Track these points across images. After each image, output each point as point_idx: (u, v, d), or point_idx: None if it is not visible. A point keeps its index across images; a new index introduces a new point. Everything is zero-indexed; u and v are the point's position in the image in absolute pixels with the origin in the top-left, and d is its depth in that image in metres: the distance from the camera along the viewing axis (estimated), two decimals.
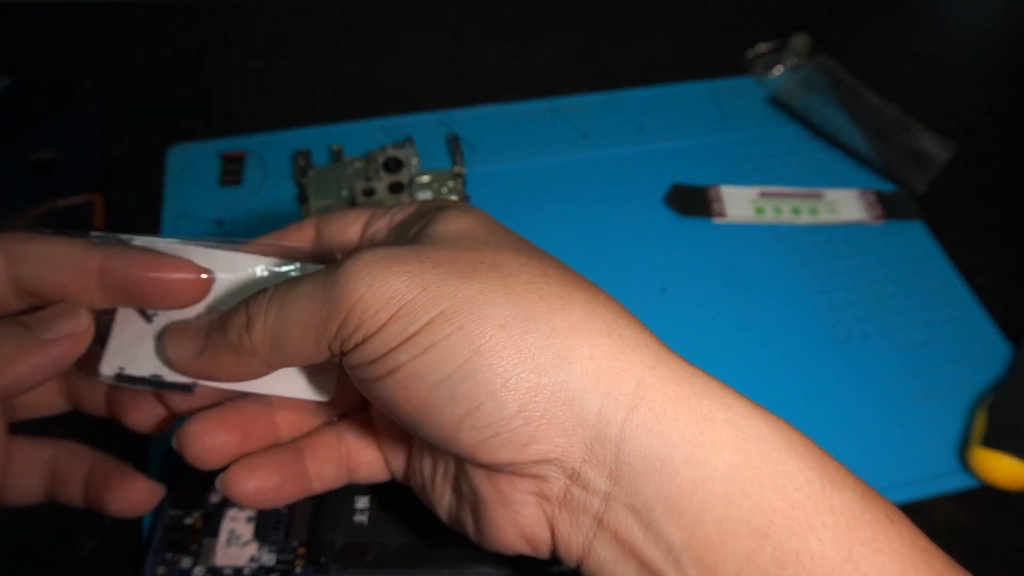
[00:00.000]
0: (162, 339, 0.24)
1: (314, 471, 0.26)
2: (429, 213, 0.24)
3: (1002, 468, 0.34)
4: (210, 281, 0.24)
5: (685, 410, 0.19)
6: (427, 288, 0.20)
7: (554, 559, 0.22)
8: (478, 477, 0.22)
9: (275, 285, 0.22)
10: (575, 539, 0.21)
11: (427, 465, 0.25)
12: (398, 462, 0.27)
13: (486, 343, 0.20)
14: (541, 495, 0.21)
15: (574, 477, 0.20)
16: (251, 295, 0.23)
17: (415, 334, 0.20)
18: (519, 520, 0.22)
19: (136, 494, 0.25)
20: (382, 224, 0.25)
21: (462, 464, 0.23)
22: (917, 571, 0.19)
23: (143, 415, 0.26)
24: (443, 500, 0.25)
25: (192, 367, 0.24)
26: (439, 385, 0.20)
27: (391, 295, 0.20)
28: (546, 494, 0.21)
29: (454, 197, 0.44)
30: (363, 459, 0.27)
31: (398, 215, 0.25)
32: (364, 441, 0.27)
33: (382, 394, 0.21)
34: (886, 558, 0.18)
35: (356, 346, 0.21)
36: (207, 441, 0.24)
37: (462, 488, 0.23)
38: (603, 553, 0.21)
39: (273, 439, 0.26)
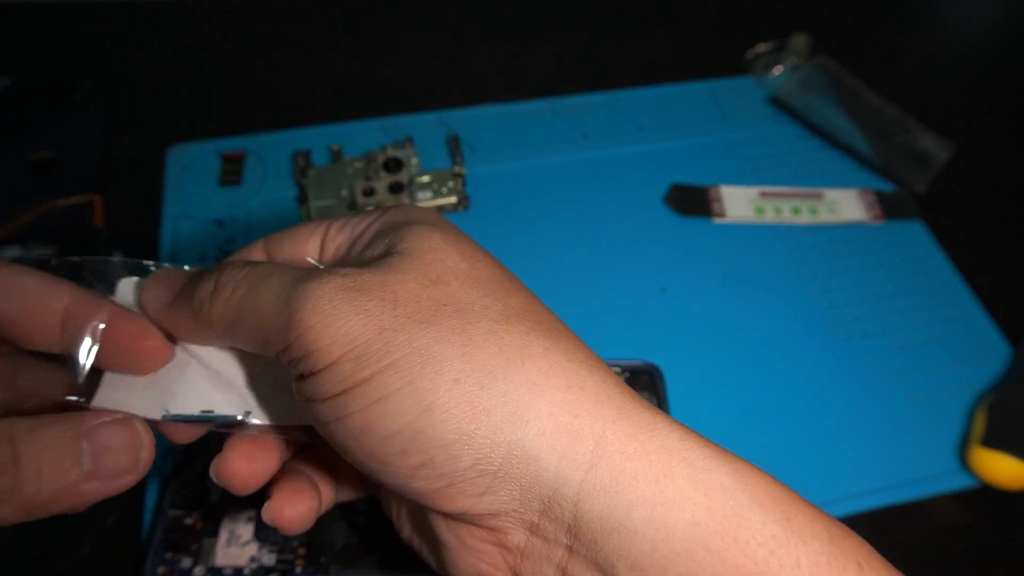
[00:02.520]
0: (146, 280, 0.24)
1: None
2: (396, 229, 0.23)
3: (1002, 468, 0.34)
4: (169, 350, 0.23)
5: (645, 468, 0.19)
6: (382, 332, 0.20)
7: None
8: (438, 522, 0.22)
9: (252, 263, 0.22)
10: None
11: (392, 503, 0.25)
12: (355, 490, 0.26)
13: (438, 399, 0.19)
14: (501, 545, 0.21)
15: (534, 529, 0.20)
16: (228, 261, 0.23)
17: (365, 381, 0.19)
18: (480, 567, 0.21)
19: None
20: (343, 239, 0.24)
21: (423, 508, 0.22)
22: None
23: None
24: (405, 529, 0.25)
25: (158, 316, 0.23)
26: (390, 438, 0.19)
27: (344, 332, 0.20)
28: (506, 544, 0.21)
29: (453, 198, 0.44)
30: (342, 479, 0.26)
31: (359, 227, 0.24)
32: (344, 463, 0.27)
33: (334, 438, 0.20)
34: None
35: (304, 376, 0.20)
36: (245, 469, 0.24)
37: (423, 529, 0.23)
38: None
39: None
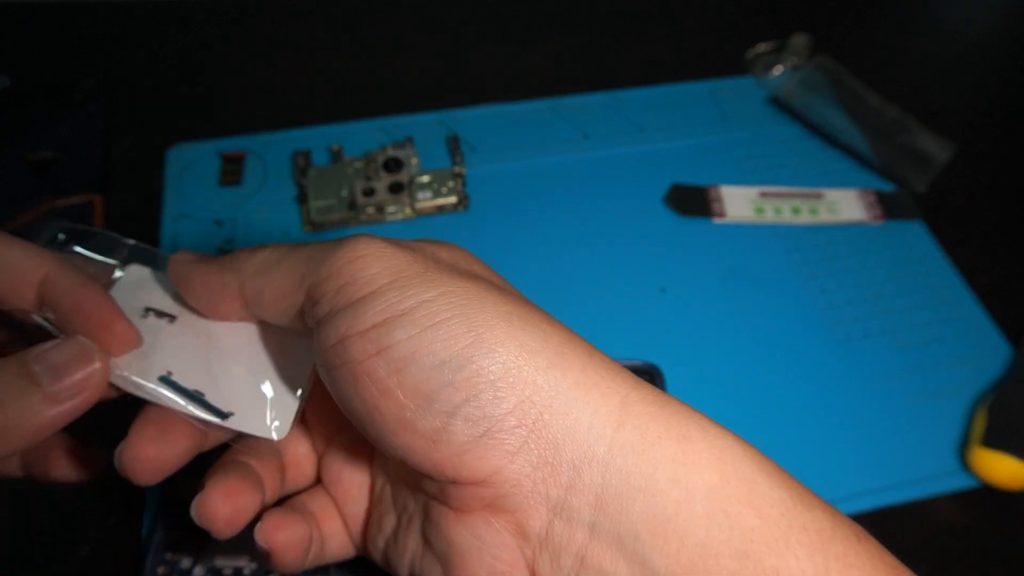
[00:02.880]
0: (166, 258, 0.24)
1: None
2: (423, 241, 0.24)
3: (1002, 468, 0.34)
4: (135, 340, 0.23)
5: (667, 429, 0.19)
6: (427, 271, 0.20)
7: None
8: (449, 521, 0.21)
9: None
10: (551, 566, 0.20)
11: (389, 520, 0.24)
12: (358, 527, 0.26)
13: (488, 329, 0.19)
14: (521, 533, 0.20)
15: (557, 509, 0.19)
16: None
17: (411, 310, 0.19)
18: (496, 566, 0.20)
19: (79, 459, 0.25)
20: None
21: (431, 510, 0.22)
22: None
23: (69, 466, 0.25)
24: (405, 556, 0.23)
25: (181, 271, 0.24)
26: (438, 368, 0.19)
27: (392, 265, 0.20)
28: (526, 531, 0.20)
29: (453, 198, 0.44)
30: (329, 530, 0.26)
31: None
32: (328, 511, 0.26)
33: (366, 379, 0.19)
34: (859, 573, 0.19)
35: (341, 309, 0.20)
36: (230, 511, 0.23)
37: (430, 538, 0.22)
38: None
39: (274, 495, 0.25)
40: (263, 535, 0.23)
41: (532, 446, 0.19)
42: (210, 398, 0.23)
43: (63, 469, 0.25)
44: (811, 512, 0.19)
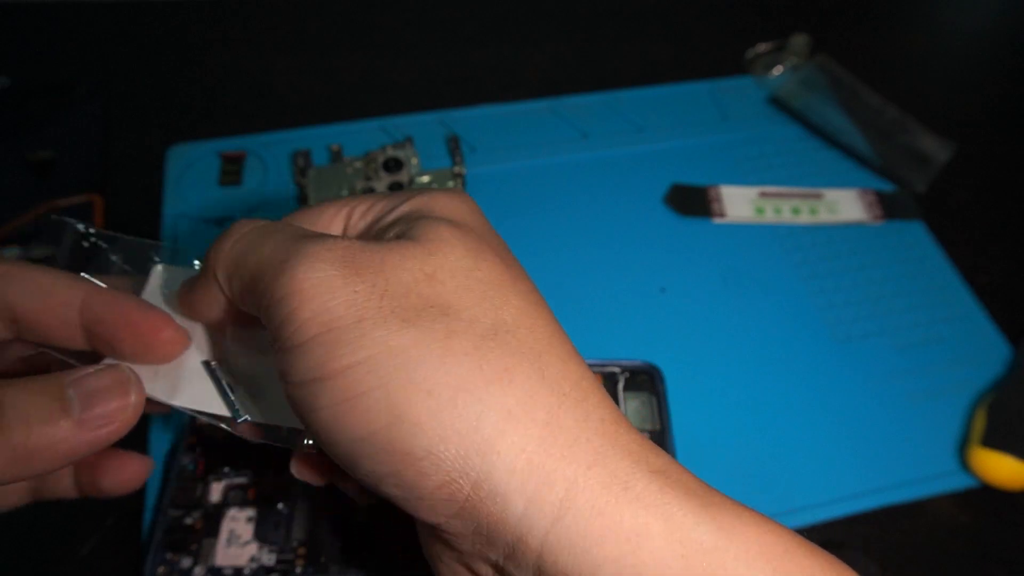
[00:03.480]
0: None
1: None
2: (414, 217, 0.22)
3: (1002, 468, 0.34)
4: (185, 340, 0.23)
5: (616, 524, 0.18)
6: (361, 322, 0.19)
7: None
8: (422, 532, 0.21)
9: (266, 220, 0.23)
10: None
11: None
12: None
13: (410, 411, 0.18)
14: (472, 572, 0.20)
15: (500, 569, 0.19)
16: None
17: (336, 374, 0.18)
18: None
19: (128, 471, 0.25)
20: (366, 223, 0.24)
21: None
22: None
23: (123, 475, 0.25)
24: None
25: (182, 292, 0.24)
26: (358, 442, 0.18)
27: (326, 310, 0.19)
28: (477, 573, 0.20)
29: None
30: None
31: (384, 210, 0.23)
32: None
33: (307, 425, 0.20)
34: None
35: (278, 351, 0.20)
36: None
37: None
38: None
39: None
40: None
41: (467, 517, 0.19)
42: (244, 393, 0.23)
43: (112, 480, 0.25)
44: None
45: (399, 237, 0.21)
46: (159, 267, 0.25)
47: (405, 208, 0.23)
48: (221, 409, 0.23)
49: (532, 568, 0.18)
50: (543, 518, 0.18)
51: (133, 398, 0.21)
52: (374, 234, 0.23)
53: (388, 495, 0.19)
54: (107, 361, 0.22)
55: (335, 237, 0.20)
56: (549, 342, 0.20)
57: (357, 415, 0.18)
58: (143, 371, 0.22)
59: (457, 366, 0.18)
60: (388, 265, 0.20)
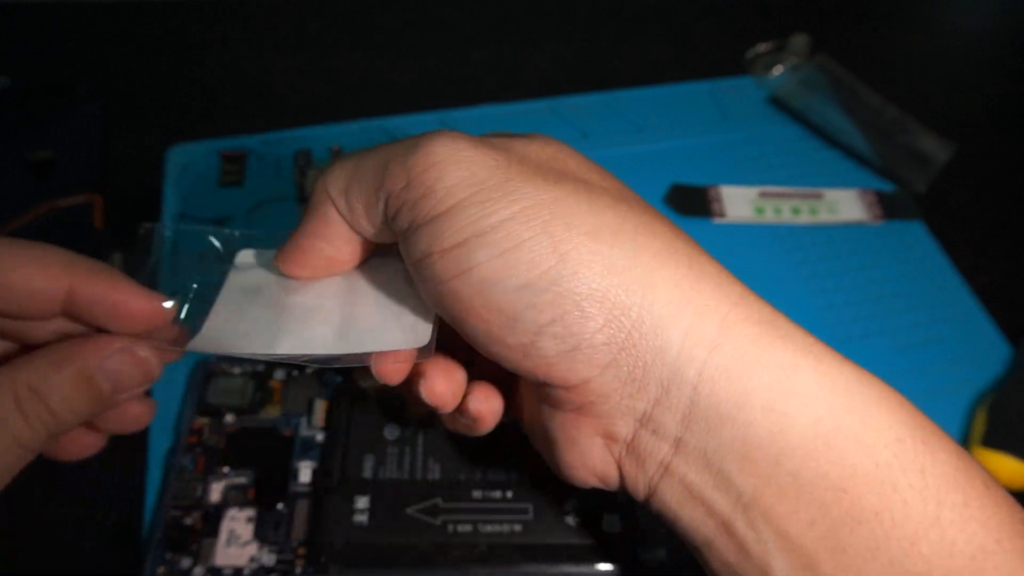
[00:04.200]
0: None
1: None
2: (513, 137, 0.23)
3: (1002, 468, 0.34)
4: (169, 312, 0.23)
5: (769, 354, 0.18)
6: (510, 180, 0.19)
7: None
8: (547, 415, 0.21)
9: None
10: (641, 480, 0.20)
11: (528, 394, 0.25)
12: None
13: (573, 249, 0.18)
14: (608, 436, 0.20)
15: (644, 421, 0.19)
16: None
17: (492, 228, 0.19)
18: (587, 460, 0.21)
19: (132, 413, 0.24)
20: None
21: (541, 396, 0.22)
22: (1012, 544, 0.17)
23: None
24: (525, 417, 0.25)
25: (287, 251, 0.24)
26: (521, 291, 0.18)
27: (470, 175, 0.19)
28: (613, 436, 0.20)
29: None
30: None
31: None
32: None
33: (452, 297, 0.19)
34: (978, 526, 0.17)
35: (421, 225, 0.19)
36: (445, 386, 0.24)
37: (543, 419, 0.22)
38: (669, 495, 0.20)
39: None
40: (475, 405, 0.24)
41: (621, 363, 0.19)
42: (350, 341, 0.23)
43: (116, 422, 0.25)
44: (933, 455, 0.18)
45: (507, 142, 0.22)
46: (246, 251, 0.25)
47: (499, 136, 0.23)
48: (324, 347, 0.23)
49: (684, 405, 0.19)
50: (701, 347, 0.18)
51: (154, 371, 0.22)
52: None
53: (542, 353, 0.19)
54: (123, 339, 0.22)
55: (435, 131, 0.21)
56: (670, 221, 0.21)
57: (521, 263, 0.19)
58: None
59: (607, 214, 0.19)
60: (516, 145, 0.21)
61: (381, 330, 0.23)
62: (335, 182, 0.22)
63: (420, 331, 0.23)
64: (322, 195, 0.22)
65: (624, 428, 0.20)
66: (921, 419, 0.18)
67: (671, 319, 0.18)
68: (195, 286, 0.25)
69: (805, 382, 0.18)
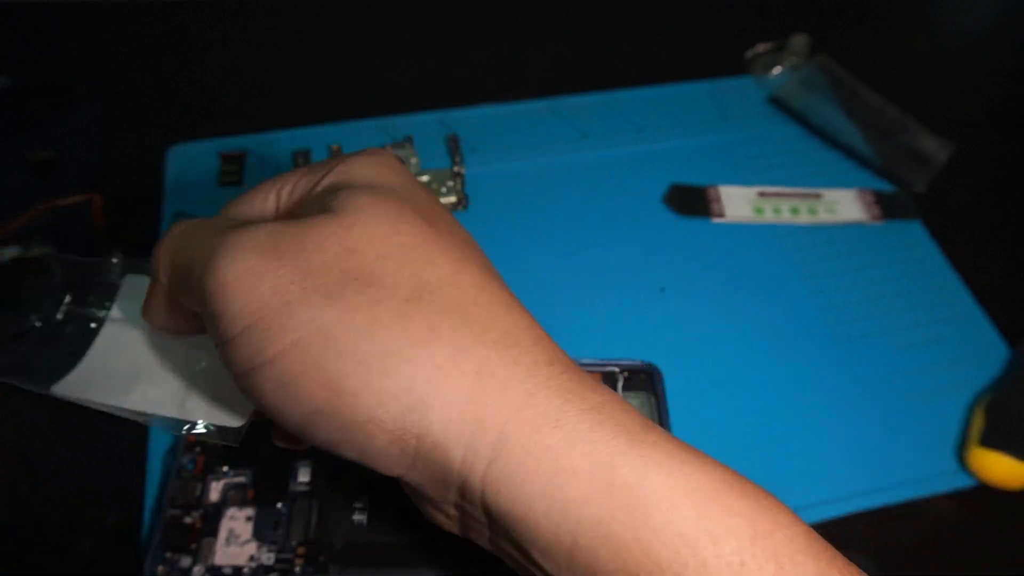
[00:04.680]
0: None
1: None
2: (336, 187, 0.22)
3: (1000, 468, 0.34)
4: None
5: (544, 463, 0.19)
6: (288, 304, 0.19)
7: None
8: (404, 485, 0.22)
9: (202, 218, 0.23)
10: (484, 544, 0.22)
11: None
12: None
13: (345, 383, 0.19)
14: (442, 512, 0.22)
15: (459, 508, 0.21)
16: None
17: (269, 363, 0.19)
18: (438, 520, 0.22)
19: None
20: (297, 195, 0.24)
21: None
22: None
23: None
24: None
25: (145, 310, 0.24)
26: (308, 416, 0.20)
27: (253, 300, 0.19)
28: (446, 512, 0.22)
29: (453, 198, 0.44)
30: None
31: (312, 181, 0.23)
32: None
33: (262, 410, 0.21)
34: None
35: (218, 344, 0.20)
36: None
37: None
38: (508, 560, 0.21)
39: None
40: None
41: (420, 467, 0.20)
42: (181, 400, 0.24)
43: None
44: (716, 546, 0.18)
45: (322, 211, 0.21)
46: (133, 277, 0.25)
47: (328, 180, 0.23)
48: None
49: (479, 507, 0.20)
50: (480, 460, 0.19)
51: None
52: (302, 210, 0.23)
53: (349, 458, 0.20)
54: None
55: (256, 225, 0.21)
56: (476, 295, 0.21)
57: (301, 394, 0.19)
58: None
59: (383, 332, 0.19)
60: (309, 245, 0.20)
61: (209, 406, 0.24)
62: (162, 269, 0.22)
63: (238, 414, 0.24)
64: (155, 277, 0.23)
65: (451, 511, 0.21)
66: (716, 503, 0.18)
67: (451, 438, 0.19)
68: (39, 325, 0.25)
69: (580, 487, 0.18)
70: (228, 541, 0.30)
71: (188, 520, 0.31)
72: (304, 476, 0.32)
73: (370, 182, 0.22)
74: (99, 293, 0.27)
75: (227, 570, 0.29)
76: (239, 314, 0.19)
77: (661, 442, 0.19)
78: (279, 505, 0.31)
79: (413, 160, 0.45)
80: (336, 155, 0.45)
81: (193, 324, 0.24)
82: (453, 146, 0.46)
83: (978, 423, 0.36)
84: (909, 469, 0.36)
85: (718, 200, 0.45)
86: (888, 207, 0.46)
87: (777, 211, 0.45)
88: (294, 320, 0.19)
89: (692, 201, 0.45)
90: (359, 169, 0.23)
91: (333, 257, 0.20)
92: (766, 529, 0.18)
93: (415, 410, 0.19)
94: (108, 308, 0.25)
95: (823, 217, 0.45)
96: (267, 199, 0.24)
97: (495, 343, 0.20)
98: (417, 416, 0.19)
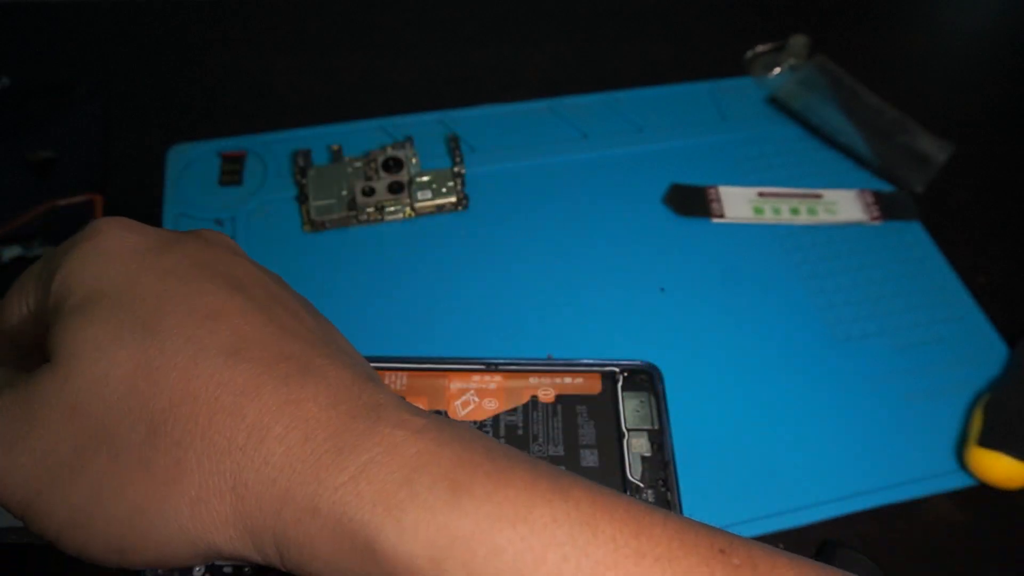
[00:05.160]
0: None
1: None
2: (55, 322, 0.20)
3: (999, 467, 0.34)
4: None
5: (316, 548, 0.19)
6: (40, 495, 0.19)
7: None
8: None
9: None
10: None
11: None
12: None
13: (124, 542, 0.19)
14: None
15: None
16: None
17: (57, 539, 0.19)
18: None
19: None
20: (33, 307, 0.22)
21: None
22: None
23: None
24: None
25: None
26: (119, 564, 0.20)
27: (14, 495, 0.19)
28: None
29: (453, 198, 0.44)
30: None
31: (31, 300, 0.22)
32: None
33: None
34: None
35: None
36: None
37: None
38: None
39: None
40: None
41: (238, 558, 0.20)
42: None
43: None
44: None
45: (47, 355, 0.20)
46: None
47: (50, 301, 0.21)
48: None
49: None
50: (273, 559, 0.19)
51: None
52: (44, 330, 0.21)
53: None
54: None
55: None
56: (215, 397, 0.19)
57: (97, 556, 0.19)
58: None
59: (133, 490, 0.19)
60: (37, 419, 0.19)
61: None
62: None
63: None
64: None
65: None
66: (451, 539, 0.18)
67: (238, 550, 0.19)
68: None
69: (350, 565, 0.19)
70: None
71: None
72: None
73: (88, 291, 0.20)
74: None
75: (227, 568, 0.29)
76: (14, 507, 0.19)
77: (419, 498, 0.18)
78: None
79: (413, 160, 0.45)
80: (337, 155, 0.45)
81: None
82: (453, 146, 0.46)
83: (977, 423, 0.36)
84: (908, 469, 0.36)
85: (718, 200, 0.45)
86: (887, 207, 0.46)
87: (777, 211, 0.45)
88: (53, 506, 0.19)
89: (692, 201, 0.45)
90: (77, 274, 0.20)
91: (62, 426, 0.19)
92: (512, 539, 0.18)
93: (198, 542, 0.19)
94: None
95: (823, 217, 0.45)
96: (21, 308, 0.22)
97: (243, 448, 0.19)
98: (203, 546, 0.19)
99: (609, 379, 0.35)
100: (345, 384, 0.20)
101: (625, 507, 0.19)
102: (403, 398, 0.21)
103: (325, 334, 0.22)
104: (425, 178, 0.44)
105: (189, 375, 0.19)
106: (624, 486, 0.31)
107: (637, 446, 0.32)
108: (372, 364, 0.33)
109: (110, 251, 0.21)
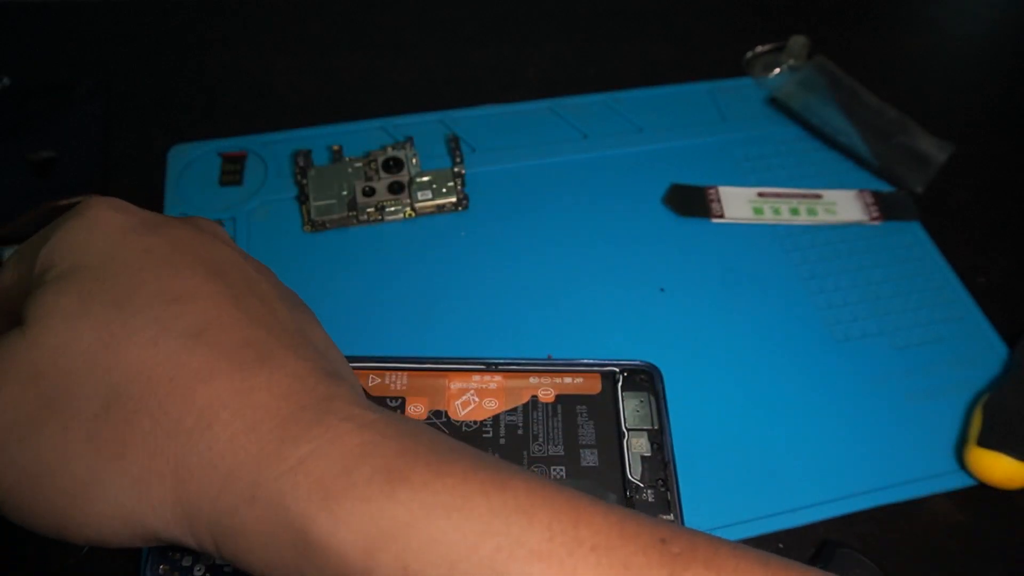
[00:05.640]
0: None
1: None
2: (33, 290, 0.20)
3: (998, 467, 0.34)
4: None
5: (251, 539, 0.19)
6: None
7: None
8: None
9: None
10: None
11: None
12: None
13: (65, 515, 0.19)
14: None
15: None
16: None
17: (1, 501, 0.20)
18: None
19: None
20: (20, 277, 0.22)
21: None
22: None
23: None
24: None
25: None
26: (57, 535, 0.20)
27: None
28: None
29: (453, 198, 0.44)
30: None
31: (22, 267, 0.22)
32: None
33: None
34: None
35: None
36: None
37: None
38: None
39: None
40: None
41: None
42: None
43: None
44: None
45: (22, 320, 0.20)
46: None
47: (35, 271, 0.21)
48: None
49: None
50: (208, 545, 0.19)
51: None
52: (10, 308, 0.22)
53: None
54: None
55: None
56: (171, 376, 0.19)
57: (38, 524, 0.20)
58: None
59: (77, 462, 0.19)
60: (1, 385, 0.19)
61: None
62: None
63: None
64: None
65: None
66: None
67: (175, 533, 0.20)
68: None
69: (279, 555, 0.19)
70: None
71: None
72: None
73: (70, 264, 0.20)
74: None
75: (228, 569, 0.30)
76: None
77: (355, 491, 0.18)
78: None
79: (413, 160, 0.45)
80: (337, 155, 0.45)
81: None
82: (453, 146, 0.46)
83: (977, 423, 0.36)
84: (908, 469, 0.36)
85: (718, 200, 0.45)
86: (887, 208, 0.46)
87: (776, 211, 0.45)
88: (1, 466, 0.19)
89: (692, 201, 0.45)
90: (62, 247, 0.21)
91: (21, 389, 0.19)
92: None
93: (135, 524, 0.19)
94: None
95: (822, 217, 0.45)
96: (13, 276, 0.23)
97: (190, 432, 0.19)
98: (140, 528, 0.19)
99: (609, 379, 0.35)
100: (301, 376, 0.20)
101: (566, 498, 0.19)
102: (367, 394, 0.21)
103: (297, 326, 0.22)
104: (425, 178, 0.44)
105: (148, 354, 0.19)
106: (624, 486, 0.31)
107: (637, 446, 0.32)
108: (373, 364, 0.33)
109: (96, 227, 0.21)
